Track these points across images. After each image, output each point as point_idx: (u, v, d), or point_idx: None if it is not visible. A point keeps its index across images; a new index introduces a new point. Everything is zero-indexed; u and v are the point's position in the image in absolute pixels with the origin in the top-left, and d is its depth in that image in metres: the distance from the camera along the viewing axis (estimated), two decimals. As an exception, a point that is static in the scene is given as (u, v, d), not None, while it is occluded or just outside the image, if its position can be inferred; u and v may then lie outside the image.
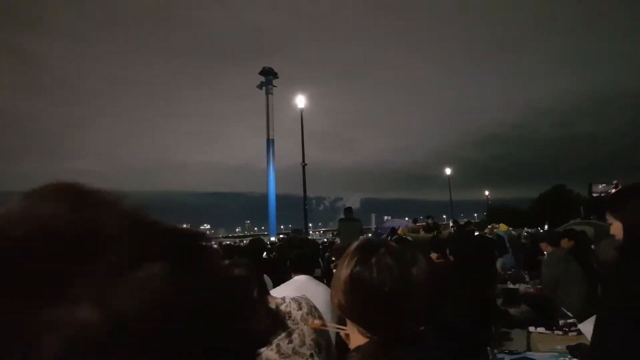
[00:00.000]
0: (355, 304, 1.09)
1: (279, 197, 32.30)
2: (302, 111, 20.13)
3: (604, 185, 19.79)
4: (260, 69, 32.88)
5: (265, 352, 1.96)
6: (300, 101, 20.56)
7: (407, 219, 18.23)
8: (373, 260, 1.10)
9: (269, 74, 32.46)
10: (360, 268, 1.10)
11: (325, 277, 3.76)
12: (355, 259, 1.12)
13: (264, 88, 32.08)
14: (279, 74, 32.83)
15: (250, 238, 8.92)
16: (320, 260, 5.81)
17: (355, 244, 1.20)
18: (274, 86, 32.21)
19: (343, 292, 1.10)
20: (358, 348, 1.09)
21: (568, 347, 3.16)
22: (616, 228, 1.74)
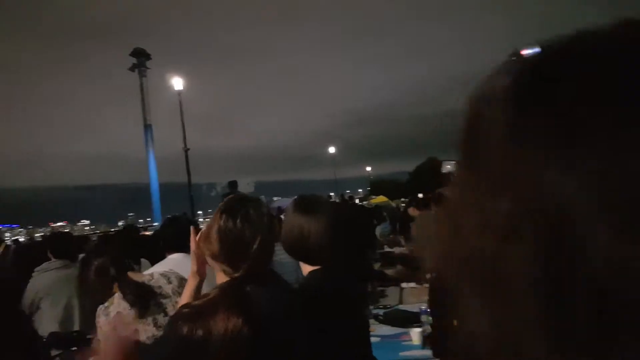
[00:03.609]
0: (223, 249, 1.31)
1: (164, 186, 30.79)
2: (180, 93, 19.52)
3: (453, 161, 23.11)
4: (131, 50, 30.70)
5: (143, 326, 1.92)
6: (177, 83, 19.81)
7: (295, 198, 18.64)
8: (238, 213, 1.32)
9: (141, 56, 30.23)
10: (227, 219, 1.32)
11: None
12: (225, 213, 1.34)
13: (136, 70, 29.98)
14: (152, 55, 30.94)
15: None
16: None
17: (224, 202, 1.42)
18: (148, 68, 30.23)
19: (215, 239, 1.32)
20: (219, 285, 1.31)
21: (434, 296, 3.50)
22: None
